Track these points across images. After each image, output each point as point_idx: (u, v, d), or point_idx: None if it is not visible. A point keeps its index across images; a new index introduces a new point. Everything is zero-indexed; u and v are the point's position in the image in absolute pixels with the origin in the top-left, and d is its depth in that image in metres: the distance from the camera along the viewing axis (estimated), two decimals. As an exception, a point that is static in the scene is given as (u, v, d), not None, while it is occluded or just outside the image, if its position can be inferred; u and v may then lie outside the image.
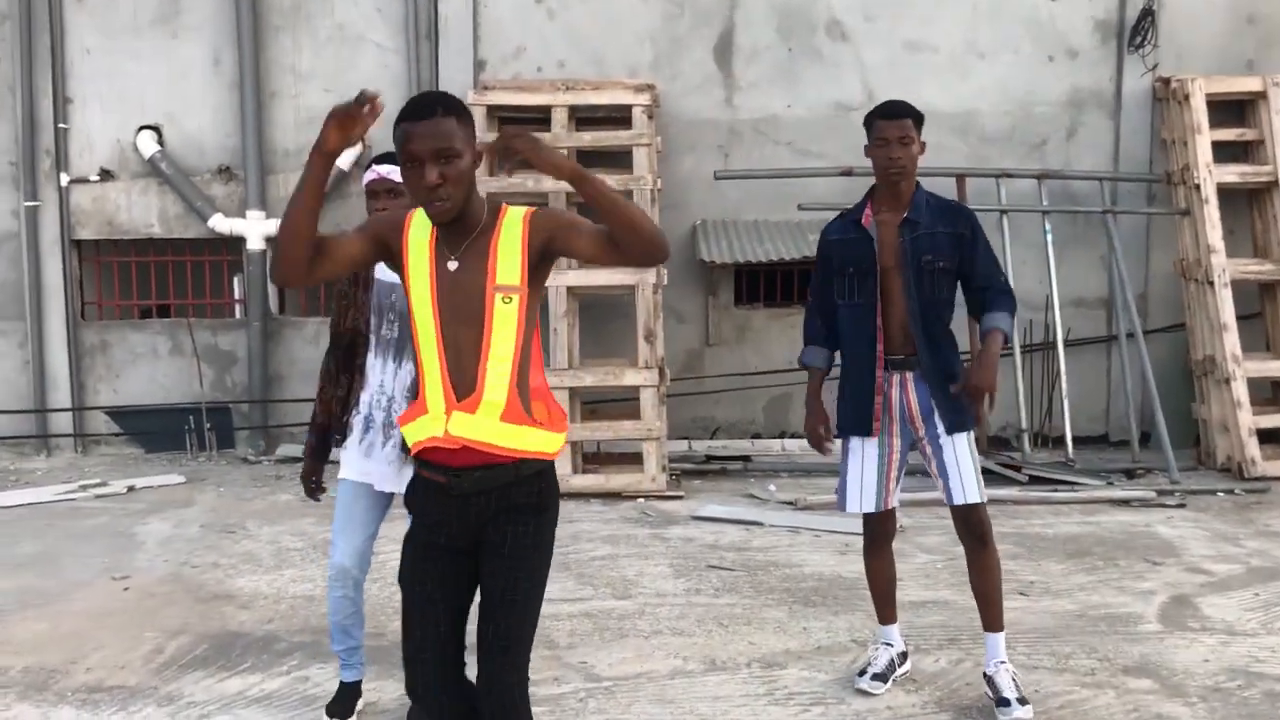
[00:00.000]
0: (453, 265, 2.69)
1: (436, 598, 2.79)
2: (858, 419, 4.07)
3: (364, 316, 3.76)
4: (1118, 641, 4.73)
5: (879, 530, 4.24)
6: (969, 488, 3.99)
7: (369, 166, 3.82)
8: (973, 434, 4.07)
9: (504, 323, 2.68)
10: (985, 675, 4.07)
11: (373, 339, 3.73)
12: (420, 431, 2.74)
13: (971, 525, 4.04)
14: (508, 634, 2.75)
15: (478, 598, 2.86)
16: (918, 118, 3.97)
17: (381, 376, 3.71)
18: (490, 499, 2.76)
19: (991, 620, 4.08)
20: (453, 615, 2.82)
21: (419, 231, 2.73)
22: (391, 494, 3.78)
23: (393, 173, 3.75)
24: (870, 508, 4.11)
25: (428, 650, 2.79)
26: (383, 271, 3.72)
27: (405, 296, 2.73)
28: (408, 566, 2.84)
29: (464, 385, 2.70)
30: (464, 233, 2.72)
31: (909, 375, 4.01)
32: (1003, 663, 4.05)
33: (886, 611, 4.31)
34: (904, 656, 4.33)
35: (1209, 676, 4.36)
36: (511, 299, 2.68)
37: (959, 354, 4.12)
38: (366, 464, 3.74)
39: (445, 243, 2.72)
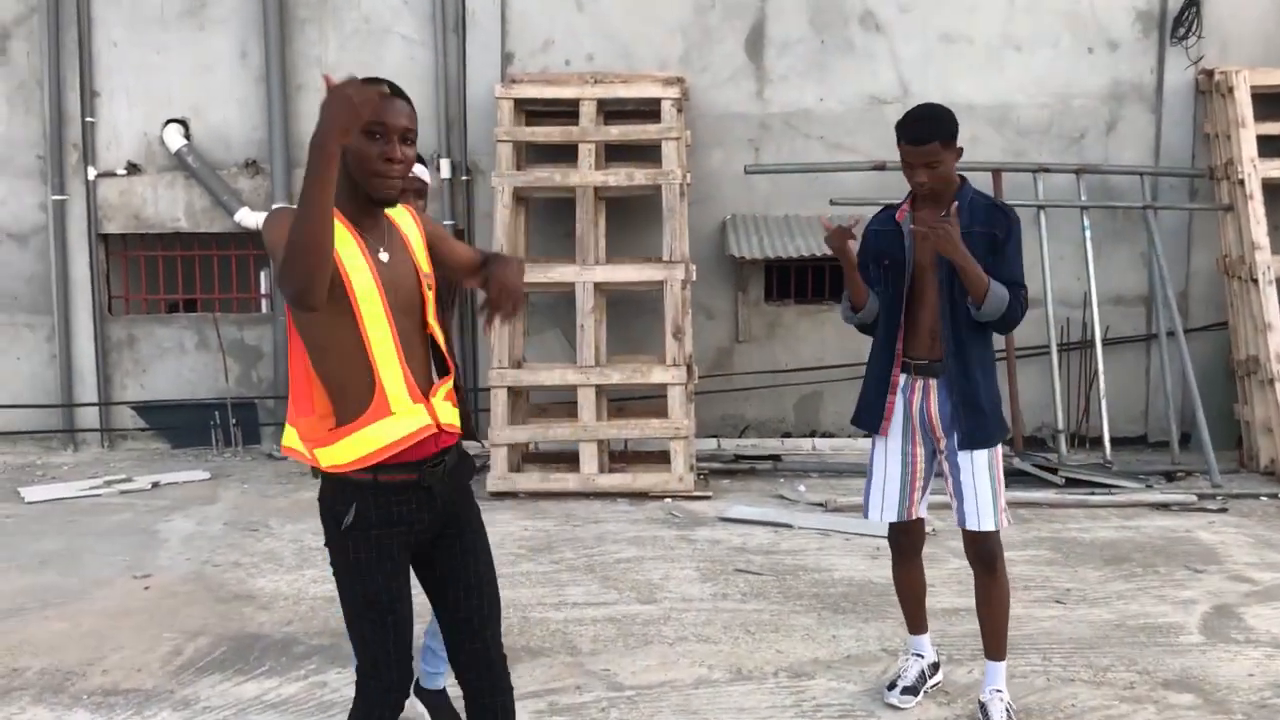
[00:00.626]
0: (385, 257, 2.64)
1: (408, 602, 2.74)
2: (869, 413, 3.95)
3: None
4: (1158, 653, 4.58)
5: (904, 541, 4.08)
6: (984, 513, 3.79)
7: None
8: (997, 453, 3.84)
9: (431, 309, 2.76)
10: (980, 702, 3.93)
11: None
12: (394, 431, 2.62)
13: (981, 553, 3.86)
14: (494, 605, 2.84)
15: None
16: (946, 137, 3.70)
17: None
18: (450, 481, 2.77)
19: (994, 649, 3.92)
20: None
21: (339, 226, 2.56)
22: None
23: (422, 172, 3.65)
24: (892, 517, 3.96)
25: (405, 661, 2.76)
26: None
27: (342, 285, 2.54)
28: (380, 582, 2.67)
29: (420, 375, 2.70)
30: (381, 225, 2.69)
31: (932, 382, 3.84)
32: (999, 691, 3.91)
33: (917, 621, 4.18)
34: (935, 667, 4.20)
35: (1254, 692, 4.21)
36: (432, 286, 2.77)
37: (993, 370, 3.88)
38: None
39: (369, 235, 2.65)
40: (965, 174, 7.92)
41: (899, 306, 3.84)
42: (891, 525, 4.04)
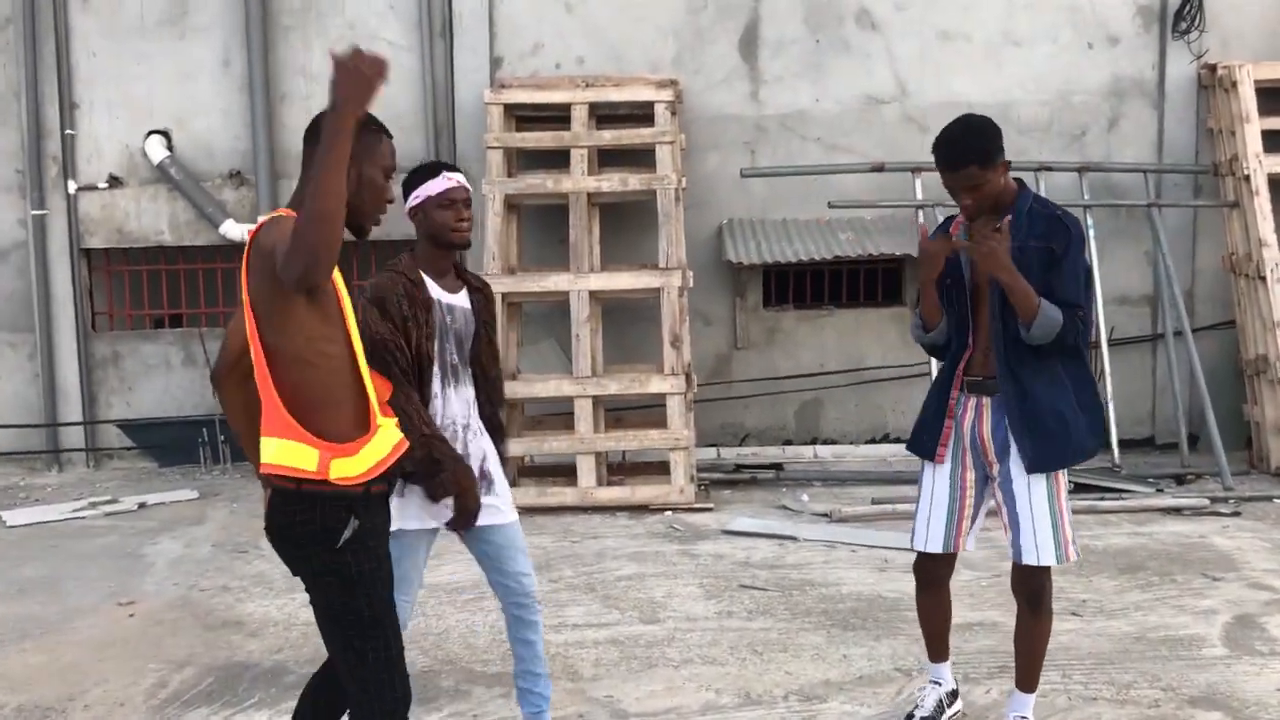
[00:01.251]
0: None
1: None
2: (926, 435, 3.70)
3: (430, 342, 3.41)
4: (1181, 668, 4.41)
5: (932, 573, 3.81)
6: (1043, 546, 3.52)
7: (426, 176, 3.47)
8: (1059, 479, 3.56)
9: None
10: None
11: (435, 366, 3.42)
12: (384, 445, 2.68)
13: (1031, 588, 3.63)
14: None
15: None
16: (983, 158, 3.43)
17: (454, 403, 3.46)
18: None
19: (1026, 681, 3.73)
20: None
21: None
22: (436, 530, 3.52)
23: (463, 180, 3.51)
24: (937, 548, 3.69)
25: (406, 675, 2.77)
26: (435, 290, 3.44)
27: (337, 302, 2.65)
28: (381, 592, 2.68)
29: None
30: None
31: (985, 401, 3.59)
32: (1024, 718, 3.72)
33: (939, 650, 3.93)
34: (954, 695, 3.97)
35: (1285, 708, 4.04)
36: None
37: (1064, 383, 3.53)
38: (441, 505, 3.42)
39: None
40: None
41: (965, 327, 3.60)
42: (920, 554, 3.78)
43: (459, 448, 3.44)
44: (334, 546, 2.59)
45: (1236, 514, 6.74)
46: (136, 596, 5.51)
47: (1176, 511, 6.79)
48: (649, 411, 7.64)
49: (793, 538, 6.28)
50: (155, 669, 4.58)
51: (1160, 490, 7.20)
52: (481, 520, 3.46)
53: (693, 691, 4.25)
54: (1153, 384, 8.43)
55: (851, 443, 8.43)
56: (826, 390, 8.38)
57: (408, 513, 3.40)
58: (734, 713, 4.07)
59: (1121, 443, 7.84)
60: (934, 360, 3.82)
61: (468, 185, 3.52)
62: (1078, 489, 7.17)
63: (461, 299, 3.53)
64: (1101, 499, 6.95)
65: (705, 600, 5.29)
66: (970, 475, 3.66)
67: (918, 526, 3.74)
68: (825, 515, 6.77)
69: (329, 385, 2.60)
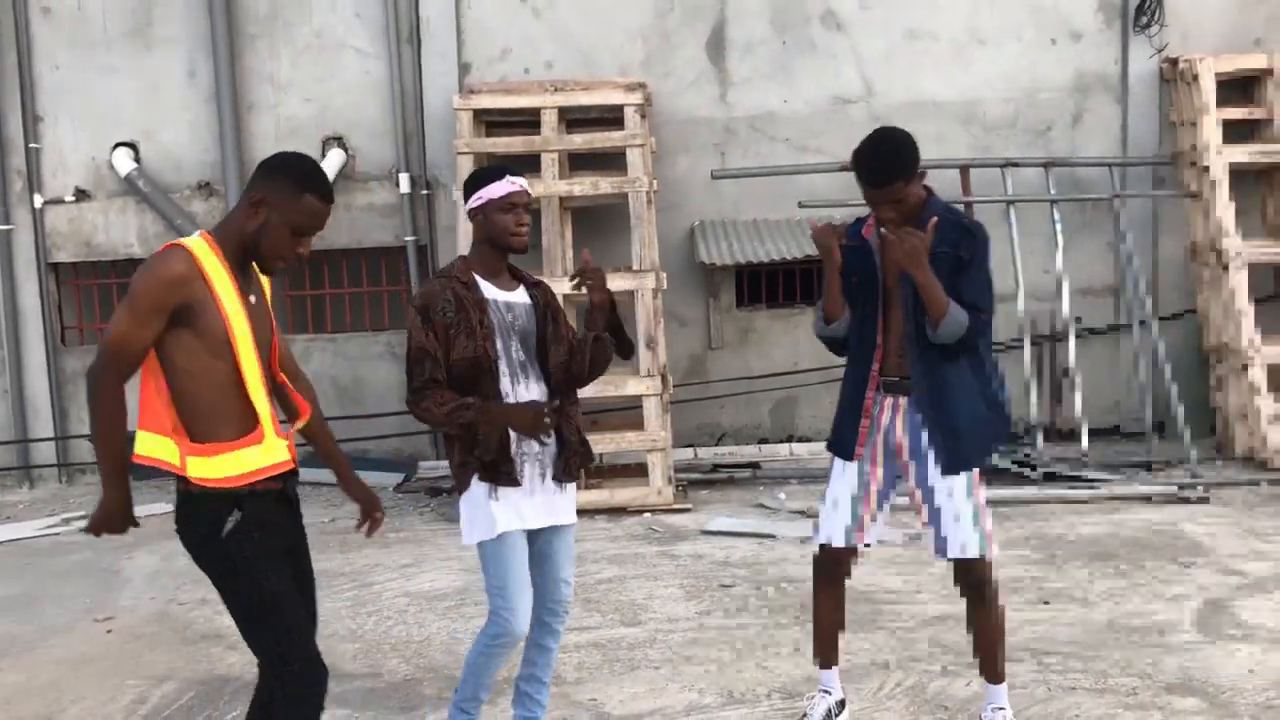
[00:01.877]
0: (253, 300, 2.89)
1: (298, 601, 2.94)
2: (840, 438, 3.72)
3: (490, 342, 3.38)
4: (1156, 654, 4.48)
5: (833, 568, 3.79)
6: (967, 540, 3.57)
7: (489, 179, 3.45)
8: (977, 475, 3.61)
9: (277, 353, 3.02)
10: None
11: (502, 364, 3.39)
12: (265, 458, 2.86)
13: (969, 580, 3.65)
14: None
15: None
16: (908, 173, 3.46)
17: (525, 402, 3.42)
18: (296, 498, 3.05)
19: (990, 673, 3.75)
20: None
21: (216, 269, 2.80)
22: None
23: (525, 184, 3.50)
24: (840, 541, 3.71)
25: (315, 653, 2.93)
26: (489, 290, 3.43)
27: (223, 329, 2.78)
28: (281, 581, 2.86)
29: (272, 408, 2.92)
30: (251, 273, 2.92)
31: (901, 401, 3.61)
32: (1001, 709, 3.74)
33: (830, 654, 3.89)
34: (842, 705, 3.92)
35: (1258, 692, 4.11)
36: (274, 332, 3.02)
37: (972, 384, 3.58)
38: (531, 502, 3.43)
39: (242, 279, 2.86)
40: (935, 166, 7.79)
41: (872, 326, 3.63)
42: (822, 547, 3.78)
43: (528, 447, 3.43)
44: (219, 537, 2.81)
45: (1205, 500, 6.84)
46: (113, 612, 5.48)
47: (1146, 499, 6.88)
48: (626, 414, 7.65)
49: (771, 536, 6.32)
50: (134, 685, 4.55)
51: (1129, 479, 7.29)
52: (548, 520, 3.48)
53: (676, 692, 4.28)
54: (1118, 373, 8.53)
55: (826, 439, 8.46)
56: (801, 388, 8.43)
57: (502, 514, 3.39)
58: (717, 712, 4.10)
59: (1089, 432, 7.93)
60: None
61: (529, 190, 3.51)
62: (1046, 479, 7.28)
63: (520, 295, 3.52)
64: (1072, 488, 7.03)
65: (686, 601, 5.32)
66: (879, 472, 3.68)
67: (822, 520, 3.75)
68: (802, 513, 6.81)
69: (205, 394, 2.79)
